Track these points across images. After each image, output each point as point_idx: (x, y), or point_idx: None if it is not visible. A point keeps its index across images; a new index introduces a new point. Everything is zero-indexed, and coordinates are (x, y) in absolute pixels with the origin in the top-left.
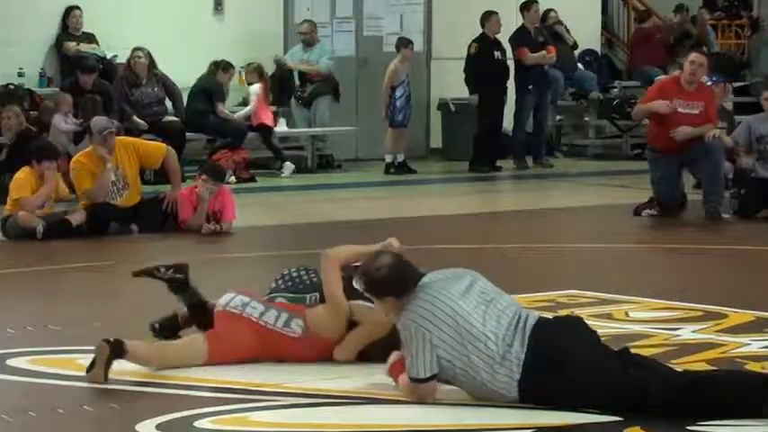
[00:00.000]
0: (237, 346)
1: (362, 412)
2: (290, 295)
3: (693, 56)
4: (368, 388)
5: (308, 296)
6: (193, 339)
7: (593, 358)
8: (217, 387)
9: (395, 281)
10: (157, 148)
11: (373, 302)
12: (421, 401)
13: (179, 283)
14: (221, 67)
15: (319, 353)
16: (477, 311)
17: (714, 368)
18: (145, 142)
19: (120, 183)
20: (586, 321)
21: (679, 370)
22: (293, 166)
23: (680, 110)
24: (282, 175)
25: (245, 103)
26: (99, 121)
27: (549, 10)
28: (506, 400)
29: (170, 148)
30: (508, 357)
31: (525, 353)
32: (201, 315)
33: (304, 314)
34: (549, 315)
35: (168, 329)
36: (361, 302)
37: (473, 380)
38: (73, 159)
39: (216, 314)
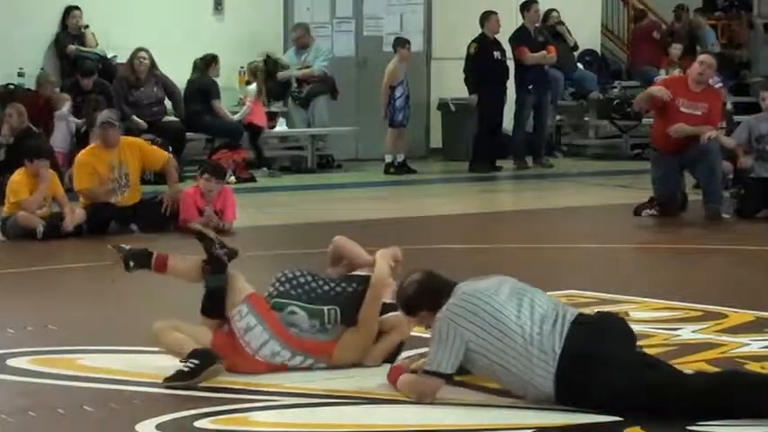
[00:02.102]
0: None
1: (363, 412)
2: (307, 306)
3: (703, 56)
4: (369, 388)
5: (325, 309)
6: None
7: (630, 363)
8: (217, 387)
9: (425, 295)
10: (161, 154)
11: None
12: (420, 398)
13: (222, 266)
14: (207, 62)
15: None
16: (510, 306)
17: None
18: (150, 145)
19: (122, 180)
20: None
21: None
22: (268, 171)
23: (682, 109)
24: (258, 175)
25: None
26: (103, 113)
27: (551, 10)
28: (542, 396)
29: (173, 157)
30: (544, 352)
31: (561, 350)
32: (217, 303)
33: (330, 354)
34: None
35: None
36: (390, 314)
37: (508, 373)
38: (78, 155)
39: (237, 342)
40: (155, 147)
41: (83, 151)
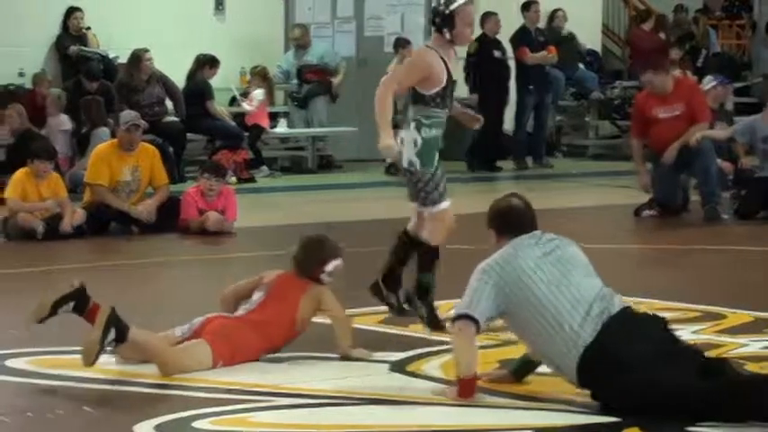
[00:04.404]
0: (237, 342)
1: (364, 412)
2: None
3: (643, 79)
4: (368, 388)
5: None
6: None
7: (657, 372)
8: (215, 387)
9: (500, 217)
10: (165, 175)
11: None
12: (465, 340)
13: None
14: (207, 63)
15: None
16: (547, 278)
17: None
18: (161, 164)
19: (134, 184)
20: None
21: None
22: (268, 170)
23: (661, 116)
24: (259, 176)
25: (236, 102)
26: (127, 113)
27: (557, 10)
28: (566, 378)
29: (169, 186)
30: (573, 338)
31: (592, 341)
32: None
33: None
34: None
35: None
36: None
37: (535, 344)
38: (98, 146)
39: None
40: (162, 166)
41: (102, 144)
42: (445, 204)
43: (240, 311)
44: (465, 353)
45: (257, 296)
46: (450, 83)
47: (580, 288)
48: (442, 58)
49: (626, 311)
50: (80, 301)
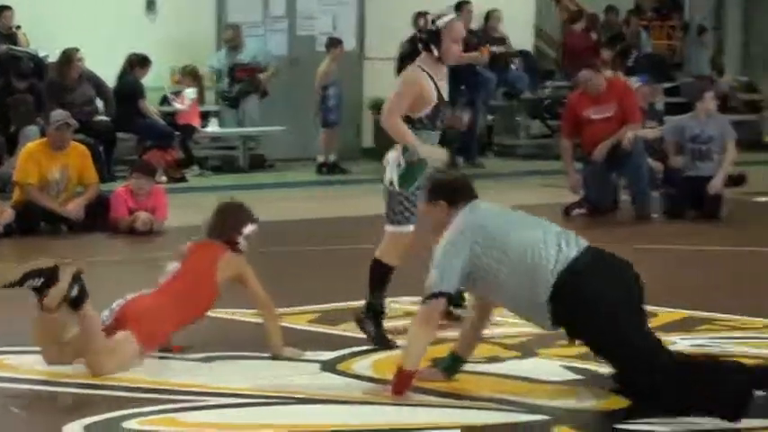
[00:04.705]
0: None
1: (294, 411)
2: None
3: (581, 76)
4: (299, 387)
5: None
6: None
7: (622, 317)
8: (144, 388)
9: (450, 188)
10: (95, 175)
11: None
12: (427, 328)
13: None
14: (138, 63)
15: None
16: (516, 222)
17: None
18: (91, 161)
19: (62, 183)
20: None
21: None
22: (199, 169)
23: (593, 116)
24: (190, 175)
25: (167, 101)
26: (58, 112)
27: (493, 10)
28: (538, 323)
29: (99, 185)
30: (550, 272)
31: (559, 275)
32: None
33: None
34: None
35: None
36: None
37: (508, 288)
38: (27, 145)
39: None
40: (92, 166)
41: (32, 143)
42: (408, 229)
43: (160, 283)
44: (418, 345)
45: (173, 266)
46: (442, 102)
47: (546, 227)
48: (431, 78)
49: (595, 248)
50: (48, 280)
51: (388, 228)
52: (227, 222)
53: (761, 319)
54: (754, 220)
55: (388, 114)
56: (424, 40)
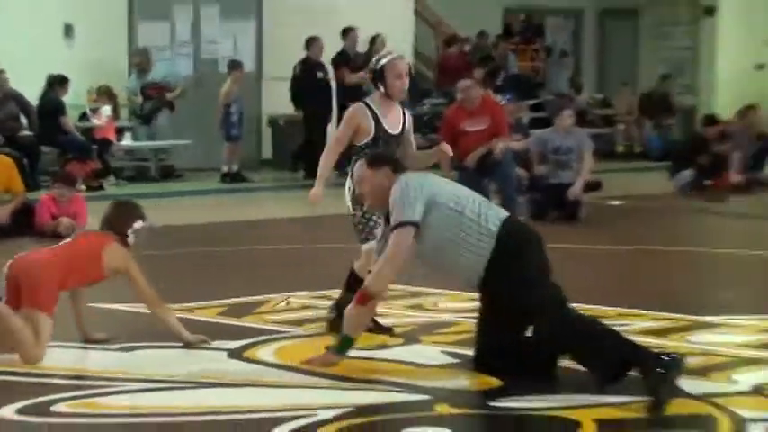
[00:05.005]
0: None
1: (208, 394)
2: None
3: (461, 84)
4: (207, 373)
5: None
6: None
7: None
8: (70, 374)
9: (393, 157)
10: (21, 186)
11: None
12: (395, 260)
13: None
14: (57, 83)
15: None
16: (456, 185)
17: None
18: (17, 172)
19: None
20: None
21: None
22: (115, 179)
23: (468, 129)
24: (106, 184)
25: (86, 117)
26: None
27: (377, 35)
28: (471, 280)
29: (26, 194)
30: (489, 229)
31: (498, 231)
32: None
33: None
34: None
35: None
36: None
37: (457, 247)
38: None
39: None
40: (18, 176)
41: None
42: (365, 246)
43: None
44: (385, 271)
45: (66, 240)
46: (384, 134)
47: (475, 194)
48: (374, 113)
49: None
50: None
51: (363, 247)
52: (121, 215)
53: (614, 308)
54: (609, 221)
55: (330, 143)
56: (372, 79)
